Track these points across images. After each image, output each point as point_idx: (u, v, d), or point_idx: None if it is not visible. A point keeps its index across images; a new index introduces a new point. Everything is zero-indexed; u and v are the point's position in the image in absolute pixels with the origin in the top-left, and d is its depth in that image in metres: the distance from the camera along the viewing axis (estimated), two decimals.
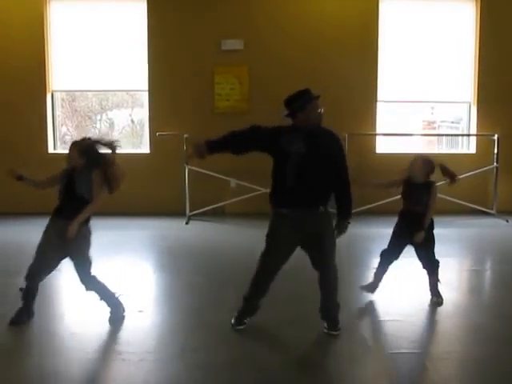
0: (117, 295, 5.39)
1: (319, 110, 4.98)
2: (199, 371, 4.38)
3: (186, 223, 9.95)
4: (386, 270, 5.94)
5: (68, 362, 4.57)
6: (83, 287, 5.24)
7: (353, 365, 4.60)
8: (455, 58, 10.82)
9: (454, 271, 7.29)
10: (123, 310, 5.42)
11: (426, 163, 5.74)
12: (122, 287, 6.35)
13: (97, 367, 4.50)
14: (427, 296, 5.91)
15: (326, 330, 5.07)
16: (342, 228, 5.11)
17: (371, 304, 5.85)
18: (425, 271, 5.90)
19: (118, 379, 4.35)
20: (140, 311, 5.62)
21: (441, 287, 5.94)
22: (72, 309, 5.73)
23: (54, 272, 5.29)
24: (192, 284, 6.50)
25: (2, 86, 10.52)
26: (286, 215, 4.91)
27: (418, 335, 5.25)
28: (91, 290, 5.26)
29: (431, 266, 5.84)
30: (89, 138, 5.30)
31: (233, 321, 5.18)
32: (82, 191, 5.13)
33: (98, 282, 5.29)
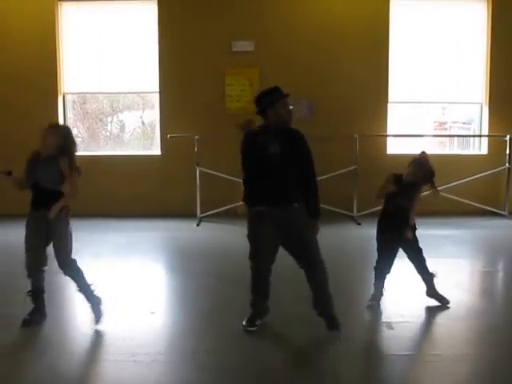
0: (92, 288, 5.36)
1: (288, 108, 5.05)
2: (210, 373, 4.38)
3: (197, 225, 9.96)
4: (383, 281, 5.83)
5: (80, 363, 4.59)
6: (62, 271, 5.26)
7: (363, 367, 4.60)
8: (467, 59, 10.76)
9: (465, 273, 7.25)
10: (100, 303, 5.37)
11: (423, 167, 5.71)
12: (133, 289, 6.41)
13: (109, 368, 4.50)
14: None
15: (327, 330, 5.08)
16: (313, 226, 5.13)
17: (382, 305, 5.82)
18: (417, 274, 5.87)
19: (129, 380, 4.34)
20: (152, 313, 5.64)
21: (452, 289, 5.92)
22: (84, 310, 5.73)
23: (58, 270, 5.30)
24: (203, 285, 6.50)
25: (14, 88, 10.57)
26: (263, 213, 4.99)
27: (429, 337, 5.24)
28: (70, 275, 5.28)
29: (424, 269, 5.78)
30: (63, 124, 5.27)
31: (244, 322, 5.19)
32: (50, 185, 5.14)
33: (78, 268, 5.29)
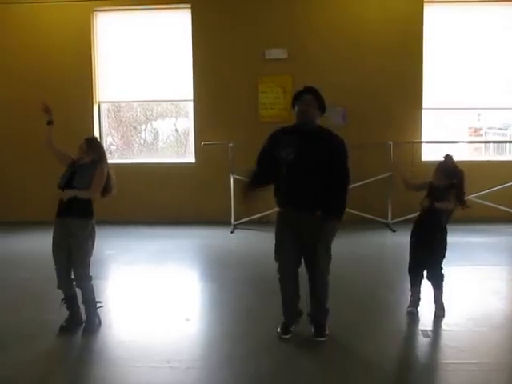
0: (98, 305, 5.46)
1: (300, 107, 5.00)
2: (246, 380, 4.39)
3: (232, 232, 9.98)
4: (419, 286, 5.78)
5: (117, 370, 4.62)
6: (75, 282, 5.36)
7: (399, 375, 4.56)
8: (502, 63, 10.63)
9: (502, 280, 7.14)
10: (99, 322, 5.46)
11: (446, 172, 5.65)
12: (168, 296, 6.45)
13: (145, 375, 4.52)
14: (475, 305, 5.83)
15: (312, 336, 5.09)
16: (327, 227, 4.95)
17: (418, 313, 5.77)
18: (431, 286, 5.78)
19: None
20: (187, 319, 5.66)
21: (489, 296, 5.85)
22: (120, 318, 5.78)
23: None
24: (238, 292, 6.51)
25: (51, 97, 10.63)
26: (283, 214, 5.11)
27: (467, 345, 5.16)
28: (81, 287, 5.36)
29: (436, 278, 5.68)
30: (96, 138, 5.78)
31: (279, 330, 5.18)
32: (80, 185, 5.31)
33: (90, 283, 5.39)
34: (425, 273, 5.70)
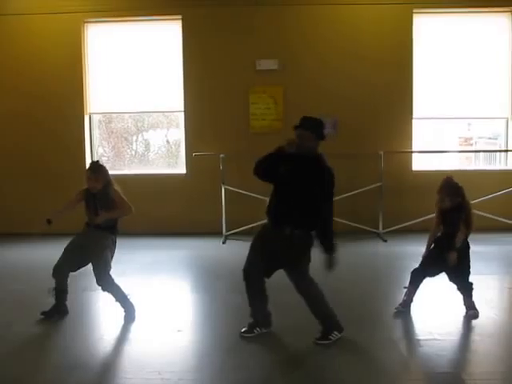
0: (129, 297, 5.97)
1: (299, 141, 5.16)
2: None
3: (223, 243, 9.98)
4: (417, 288, 5.95)
5: (108, 381, 4.60)
6: (100, 287, 5.84)
7: (396, 383, 4.57)
8: (492, 73, 10.70)
9: (494, 289, 7.16)
10: (134, 311, 5.97)
11: (450, 191, 5.75)
12: (160, 307, 6.43)
13: None
14: (468, 314, 5.84)
15: (316, 340, 5.21)
16: (329, 263, 5.15)
17: (410, 322, 5.79)
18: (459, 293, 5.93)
19: None
20: (179, 331, 5.65)
21: (482, 306, 5.87)
22: (111, 329, 5.76)
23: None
24: (229, 303, 6.50)
25: (41, 108, 10.73)
26: (265, 227, 5.40)
27: (459, 355, 5.18)
28: (107, 290, 5.85)
29: (465, 289, 5.86)
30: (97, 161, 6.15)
31: (243, 329, 5.44)
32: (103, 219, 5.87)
33: (114, 284, 5.87)
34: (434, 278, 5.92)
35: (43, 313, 5.89)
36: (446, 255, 5.68)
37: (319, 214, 5.12)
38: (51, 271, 5.89)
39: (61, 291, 5.93)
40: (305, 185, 5.07)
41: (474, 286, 5.87)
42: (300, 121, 5.24)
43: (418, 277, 5.93)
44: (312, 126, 5.19)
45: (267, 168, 5.22)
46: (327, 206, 5.15)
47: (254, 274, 5.33)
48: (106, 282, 5.78)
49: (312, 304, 5.25)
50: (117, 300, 5.92)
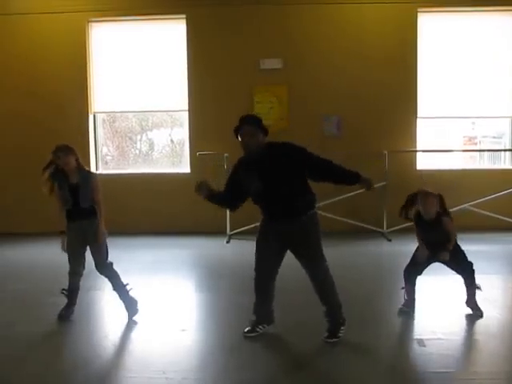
0: (128, 288, 5.97)
1: (245, 139, 5.26)
2: None
3: (227, 242, 9.98)
4: (414, 285, 5.96)
5: (112, 380, 4.60)
6: (99, 272, 5.91)
7: (399, 382, 4.55)
8: (496, 72, 10.68)
9: (498, 288, 7.14)
10: (136, 303, 5.98)
11: (435, 198, 5.76)
12: (163, 306, 6.43)
13: None
14: (471, 314, 5.83)
15: (325, 338, 5.20)
16: (366, 185, 5.14)
17: (413, 321, 5.78)
18: (463, 284, 5.91)
19: None
20: (183, 330, 5.65)
21: (485, 305, 5.86)
22: (115, 328, 5.77)
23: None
24: (233, 302, 6.50)
25: (45, 107, 10.74)
26: (267, 225, 5.33)
27: (463, 354, 5.17)
28: (105, 275, 5.91)
29: (464, 269, 5.85)
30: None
31: (246, 329, 5.42)
32: (86, 205, 5.84)
33: (113, 269, 5.93)
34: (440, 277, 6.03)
35: (61, 316, 5.89)
36: (438, 253, 5.72)
37: (309, 189, 5.17)
38: (67, 276, 5.91)
39: (74, 289, 5.97)
40: (280, 172, 5.07)
41: (475, 269, 5.87)
42: (240, 121, 5.30)
43: (411, 274, 5.93)
44: (255, 121, 5.28)
45: (234, 196, 5.46)
46: (318, 161, 5.15)
47: (265, 273, 5.40)
48: (105, 265, 5.85)
49: (325, 291, 5.23)
50: (114, 287, 5.94)
